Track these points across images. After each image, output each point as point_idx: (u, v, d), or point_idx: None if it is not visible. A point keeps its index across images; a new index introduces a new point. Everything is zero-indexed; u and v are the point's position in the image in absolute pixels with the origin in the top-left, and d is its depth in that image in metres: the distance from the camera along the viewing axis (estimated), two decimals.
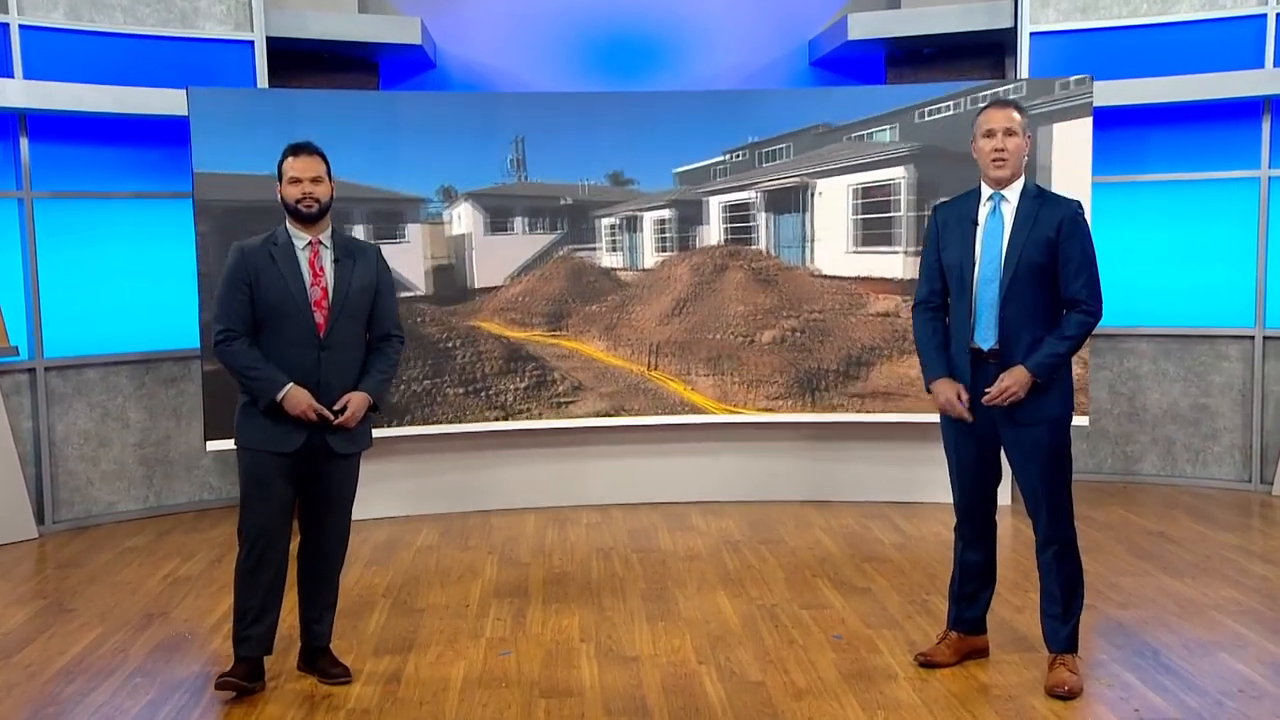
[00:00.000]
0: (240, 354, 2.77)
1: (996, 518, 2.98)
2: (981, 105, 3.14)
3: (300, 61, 5.13)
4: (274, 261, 2.80)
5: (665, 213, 4.80)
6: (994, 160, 2.75)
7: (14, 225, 4.63)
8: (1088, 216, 2.90)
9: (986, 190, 2.81)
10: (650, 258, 4.84)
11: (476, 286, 4.71)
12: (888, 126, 4.71)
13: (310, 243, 2.85)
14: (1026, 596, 3.43)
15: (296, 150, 2.86)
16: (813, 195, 4.69)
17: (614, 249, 4.81)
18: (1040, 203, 2.76)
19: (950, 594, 3.03)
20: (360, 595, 3.67)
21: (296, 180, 2.82)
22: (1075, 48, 5.11)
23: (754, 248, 4.83)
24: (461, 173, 4.65)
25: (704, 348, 4.83)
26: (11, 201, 4.62)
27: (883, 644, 3.14)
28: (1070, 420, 2.83)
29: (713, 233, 4.83)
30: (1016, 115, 2.77)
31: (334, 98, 4.65)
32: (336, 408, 2.81)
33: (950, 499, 2.98)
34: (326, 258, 2.86)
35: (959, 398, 2.79)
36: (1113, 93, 4.89)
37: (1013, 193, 2.77)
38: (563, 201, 4.75)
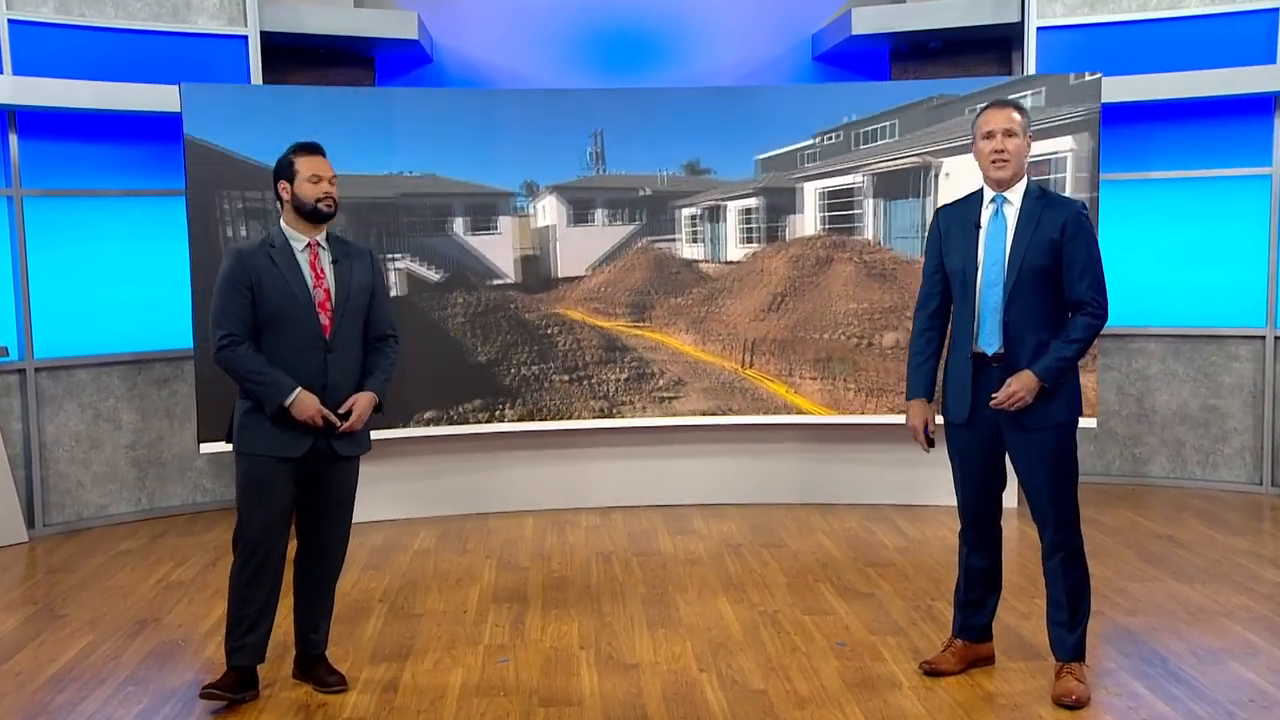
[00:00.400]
0: (245, 359, 2.72)
1: (1002, 522, 2.94)
2: (982, 105, 3.10)
3: (295, 57, 5.08)
4: (274, 264, 2.75)
5: (752, 201, 4.57)
6: (994, 162, 2.73)
7: (3, 223, 4.58)
8: (1094, 215, 2.86)
9: (989, 193, 2.79)
10: (734, 249, 4.65)
11: (560, 276, 4.70)
12: (1030, 92, 4.34)
13: (309, 244, 2.81)
14: (1033, 603, 3.39)
15: (311, 149, 2.81)
16: (937, 176, 4.32)
17: (694, 240, 4.66)
18: (1043, 204, 2.74)
19: (955, 600, 3.00)
20: (357, 600, 3.63)
21: (318, 178, 2.77)
22: (1083, 43, 5.05)
23: (861, 238, 4.56)
24: (543, 168, 4.62)
25: (809, 348, 4.61)
26: (0, 199, 4.56)
27: (886, 651, 3.10)
28: (1077, 424, 2.80)
29: (808, 222, 4.57)
30: (1016, 116, 2.75)
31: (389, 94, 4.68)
32: (342, 410, 2.78)
33: (954, 502, 2.94)
34: (325, 259, 2.82)
35: (925, 426, 2.86)
36: (1121, 89, 4.83)
37: (1015, 195, 2.76)
38: (642, 193, 4.65)
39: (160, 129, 4.74)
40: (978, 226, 2.77)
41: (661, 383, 4.66)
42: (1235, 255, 5.08)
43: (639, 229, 4.69)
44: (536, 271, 4.70)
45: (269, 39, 4.87)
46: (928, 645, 3.11)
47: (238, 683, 2.80)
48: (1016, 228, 2.72)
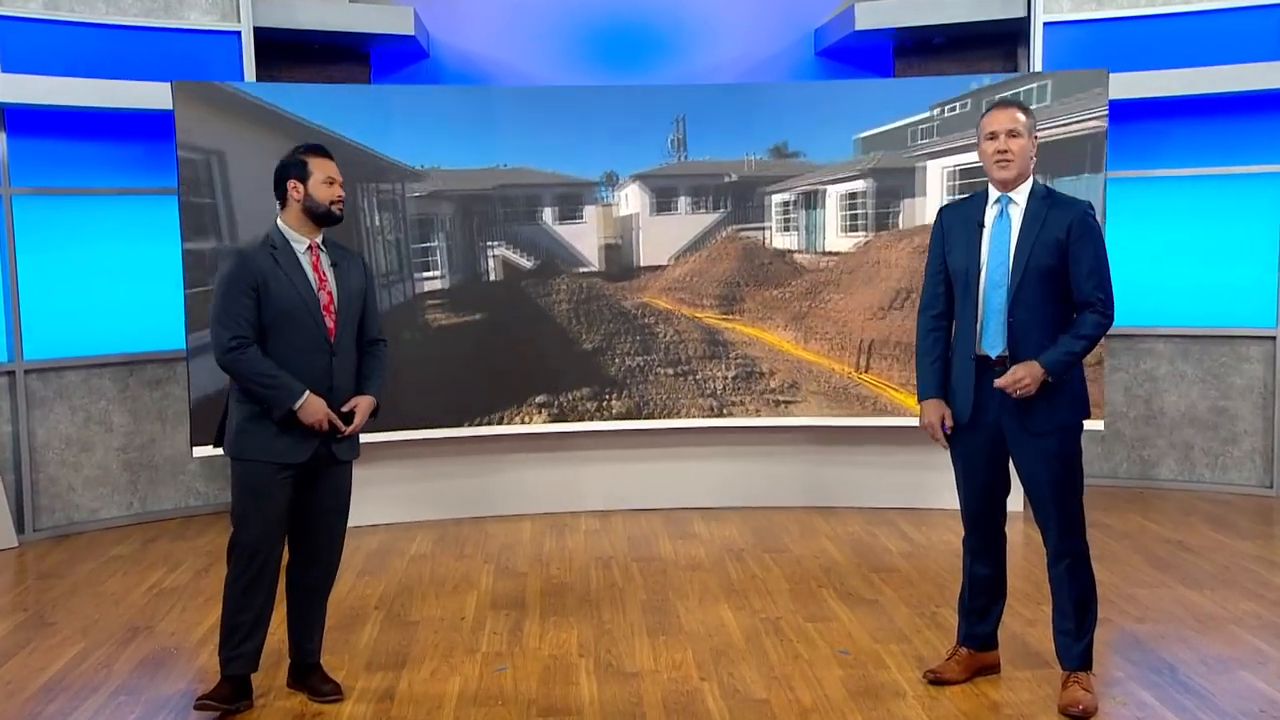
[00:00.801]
0: (255, 361, 2.69)
1: (1007, 527, 2.90)
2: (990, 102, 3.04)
3: (289, 53, 5.02)
4: (279, 266, 2.72)
5: (858, 184, 4.20)
6: (997, 162, 2.71)
7: None
8: (1102, 213, 2.80)
9: (994, 193, 2.76)
10: (834, 238, 4.32)
11: (641, 265, 4.64)
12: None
13: (310, 246, 2.79)
14: (1039, 609, 3.36)
15: (322, 151, 2.80)
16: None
17: (787, 229, 4.38)
18: (1049, 204, 2.71)
19: (960, 608, 2.96)
20: (352, 607, 3.60)
21: (332, 181, 2.76)
22: (1090, 38, 4.99)
23: None
24: (624, 158, 4.58)
25: None
26: None
27: (890, 659, 3.06)
28: (1081, 427, 2.76)
29: (931, 206, 4.12)
30: (1021, 116, 2.72)
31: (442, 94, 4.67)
32: (345, 410, 2.78)
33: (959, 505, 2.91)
34: (325, 261, 2.81)
35: (943, 422, 2.79)
36: (1129, 85, 4.78)
37: (1020, 195, 2.73)
38: (727, 179, 4.47)
39: (152, 127, 4.68)
40: (981, 226, 2.74)
41: (773, 384, 4.45)
42: (1245, 254, 5.02)
43: (724, 217, 4.52)
44: (619, 260, 4.64)
45: (262, 35, 4.82)
46: (932, 653, 3.07)
47: (232, 692, 2.78)
48: (1021, 228, 2.69)
